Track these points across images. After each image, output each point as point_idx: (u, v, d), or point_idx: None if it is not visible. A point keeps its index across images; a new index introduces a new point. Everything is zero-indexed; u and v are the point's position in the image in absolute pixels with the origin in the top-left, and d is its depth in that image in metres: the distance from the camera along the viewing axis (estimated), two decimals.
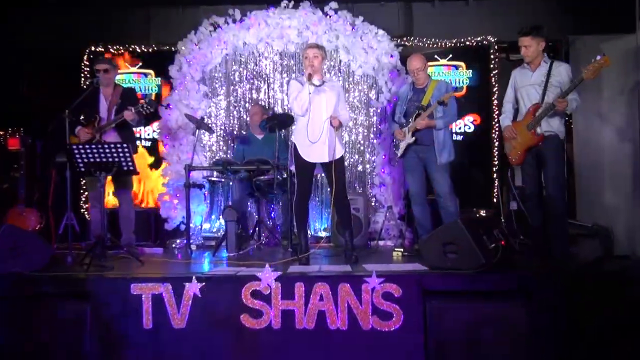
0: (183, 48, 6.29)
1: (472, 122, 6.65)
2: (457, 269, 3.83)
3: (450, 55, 6.69)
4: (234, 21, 6.25)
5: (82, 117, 5.16)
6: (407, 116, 5.03)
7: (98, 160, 4.53)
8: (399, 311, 3.63)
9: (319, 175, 6.18)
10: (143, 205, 6.55)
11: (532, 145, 4.50)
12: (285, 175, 5.12)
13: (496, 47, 6.62)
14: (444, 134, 4.89)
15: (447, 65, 6.73)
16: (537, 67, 4.55)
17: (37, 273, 3.91)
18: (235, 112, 6.53)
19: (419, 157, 4.95)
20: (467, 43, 6.64)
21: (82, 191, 6.67)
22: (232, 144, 6.46)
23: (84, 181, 6.55)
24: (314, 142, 4.50)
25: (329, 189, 6.15)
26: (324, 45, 5.77)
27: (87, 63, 6.67)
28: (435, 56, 6.66)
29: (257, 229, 5.66)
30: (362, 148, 6.40)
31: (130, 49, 6.81)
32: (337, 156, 4.54)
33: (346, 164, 5.66)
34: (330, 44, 6.10)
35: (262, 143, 5.96)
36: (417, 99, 4.99)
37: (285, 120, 5.19)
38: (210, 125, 6.26)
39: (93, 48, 6.80)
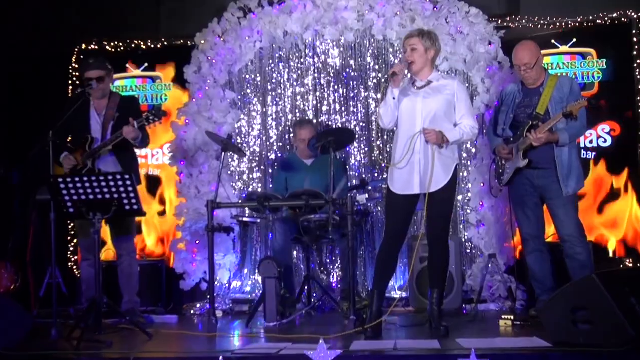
0: (203, 42, 6.42)
1: (608, 133, 6.49)
2: (593, 347, 3.72)
3: (574, 40, 6.57)
4: (271, 4, 6.38)
5: (69, 138, 5.30)
6: (516, 128, 5.00)
7: (91, 197, 4.61)
8: None
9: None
10: (149, 256, 6.66)
11: None
12: (344, 213, 5.11)
13: None
14: (570, 152, 4.86)
15: (569, 53, 6.60)
16: None
17: (10, 352, 3.96)
18: (275, 127, 6.61)
19: (534, 185, 4.94)
20: (599, 22, 6.52)
21: (70, 239, 6.82)
22: (270, 172, 6.51)
23: (72, 225, 6.70)
24: (401, 167, 4.56)
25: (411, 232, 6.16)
26: (402, 31, 5.80)
27: (78, 66, 6.90)
28: (553, 41, 6.56)
29: (306, 288, 5.65)
30: None
31: (133, 46, 7.00)
32: (437, 187, 4.55)
33: None
34: (403, 29, 6.12)
35: (312, 169, 6.00)
36: (529, 103, 4.97)
37: (343, 138, 5.21)
38: (240, 146, 6.34)
39: (85, 46, 7.05)
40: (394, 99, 4.55)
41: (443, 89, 4.65)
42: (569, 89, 4.88)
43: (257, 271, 5.87)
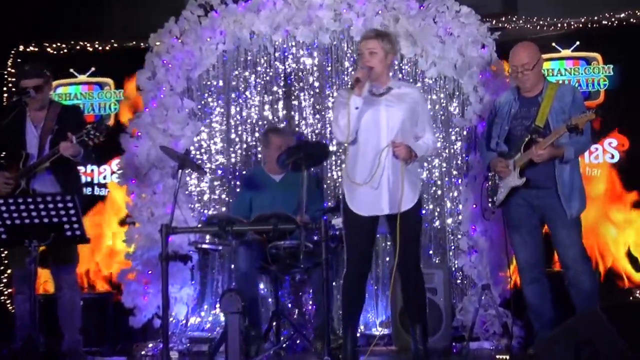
0: (158, 44, 6.40)
1: (615, 148, 6.53)
2: None
3: (578, 43, 6.66)
4: (236, 1, 6.36)
5: (2, 154, 5.24)
6: (511, 142, 5.00)
7: (27, 222, 4.57)
8: None
9: (382, 241, 6.18)
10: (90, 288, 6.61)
11: None
12: (318, 238, 5.10)
13: None
14: (572, 169, 4.87)
15: (572, 58, 6.70)
16: None
17: None
18: (239, 141, 6.58)
19: (532, 205, 4.94)
20: (605, 23, 6.60)
21: (3, 269, 6.79)
22: (234, 190, 6.48)
23: (6, 253, 6.57)
24: (365, 184, 4.58)
25: (388, 259, 6.15)
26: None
27: (14, 71, 6.86)
28: (554, 44, 6.65)
29: (274, 324, 5.60)
30: (438, 192, 6.36)
31: (78, 48, 6.96)
32: (406, 206, 4.61)
33: None
34: (386, 30, 6.10)
35: (282, 187, 5.98)
36: (526, 114, 4.97)
37: (317, 152, 5.20)
38: (200, 163, 6.31)
39: (23, 48, 7.02)
40: (356, 108, 4.55)
41: (406, 97, 4.71)
42: (571, 98, 4.90)
43: (218, 305, 5.82)
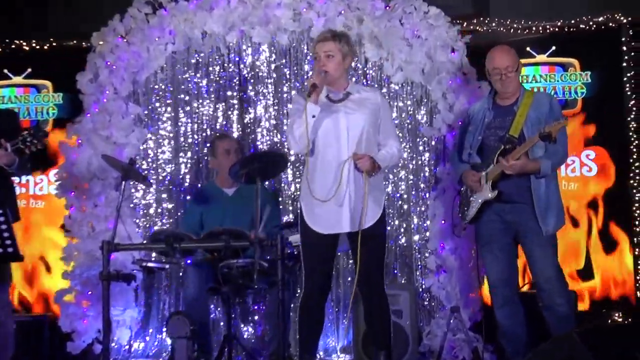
0: (101, 43, 6.36)
1: (593, 161, 6.59)
2: None
3: (554, 48, 6.70)
4: None
5: None
6: (484, 153, 5.03)
7: None
8: None
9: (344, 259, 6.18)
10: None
11: None
12: (274, 256, 5.06)
13: (631, 32, 6.61)
14: (548, 183, 4.90)
15: (548, 64, 6.73)
16: None
17: None
18: (189, 150, 6.57)
19: (505, 221, 4.97)
20: (582, 27, 6.66)
21: None
22: (183, 204, 6.46)
23: None
24: (324, 200, 4.56)
25: (350, 279, 6.14)
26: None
27: None
28: (529, 49, 6.68)
29: (226, 350, 5.51)
30: (405, 207, 6.38)
31: (13, 47, 6.92)
32: (369, 223, 4.60)
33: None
34: (349, 31, 6.07)
35: (234, 201, 5.96)
36: (501, 124, 5.00)
37: (273, 163, 5.22)
38: (146, 173, 6.26)
39: None
40: (313, 117, 4.53)
41: (367, 103, 4.69)
42: (548, 107, 4.93)
43: (164, 329, 5.78)
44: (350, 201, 4.56)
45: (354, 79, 4.82)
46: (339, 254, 5.85)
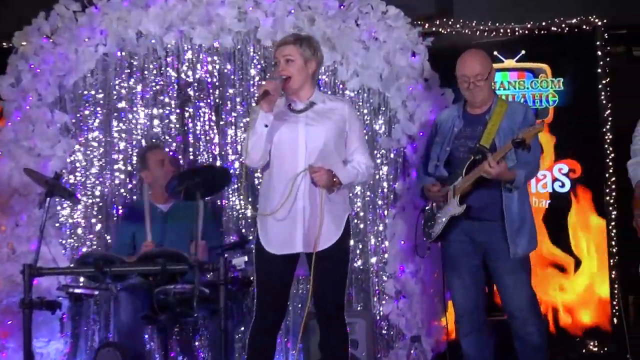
0: (24, 44, 6.33)
1: (566, 175, 6.65)
2: None
3: (523, 52, 6.75)
4: None
5: None
6: (452, 165, 5.07)
7: None
8: None
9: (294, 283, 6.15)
10: None
11: None
12: (217, 281, 4.94)
13: (606, 35, 6.68)
14: (521, 200, 4.94)
15: (516, 69, 6.78)
16: None
17: None
18: (123, 162, 6.53)
19: (474, 242, 5.00)
20: (554, 29, 6.71)
21: None
22: (114, 223, 6.43)
23: None
24: (280, 219, 4.56)
25: (301, 306, 6.14)
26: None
27: None
28: (496, 53, 6.72)
29: None
30: (361, 226, 6.39)
31: None
32: (326, 244, 4.59)
33: None
34: (299, 33, 6.10)
35: (171, 219, 5.95)
36: (471, 134, 5.05)
37: (215, 178, 5.22)
38: (74, 189, 6.22)
39: None
40: (266, 126, 4.54)
41: (331, 114, 4.69)
42: (522, 117, 4.98)
43: None
44: (304, 218, 4.56)
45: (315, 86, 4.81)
46: (300, 277, 5.92)
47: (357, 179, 4.75)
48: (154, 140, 6.48)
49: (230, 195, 6.43)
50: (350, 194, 6.30)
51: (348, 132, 4.72)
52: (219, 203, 6.41)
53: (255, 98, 4.56)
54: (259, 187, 6.25)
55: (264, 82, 4.65)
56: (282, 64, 4.65)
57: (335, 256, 4.62)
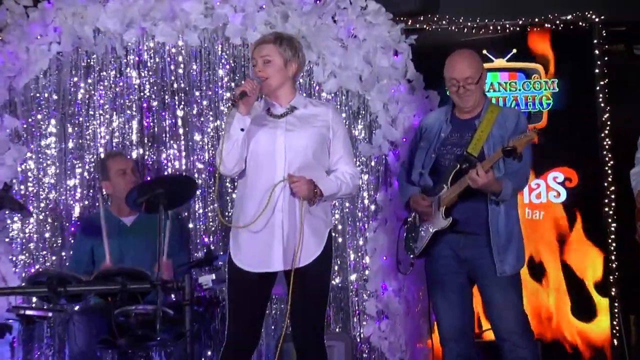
0: None
1: (562, 184, 6.65)
2: None
3: (514, 51, 6.76)
4: None
5: None
6: (439, 174, 5.06)
7: None
8: None
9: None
10: None
11: None
12: (182, 301, 4.90)
13: (604, 32, 6.70)
14: (508, 212, 4.95)
15: (507, 69, 6.80)
16: None
17: None
18: (79, 171, 6.50)
19: (460, 258, 5.00)
20: (548, 25, 6.74)
21: None
22: (70, 238, 6.39)
23: None
24: (255, 232, 4.53)
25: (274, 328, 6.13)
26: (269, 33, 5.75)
27: None
28: (485, 52, 6.72)
29: None
30: (339, 240, 6.36)
31: None
32: (307, 260, 4.57)
33: None
34: (271, 30, 6.10)
35: (133, 234, 5.91)
36: (458, 141, 5.05)
37: (180, 188, 5.18)
38: (25, 201, 6.20)
39: None
40: (242, 130, 4.49)
41: (313, 120, 4.66)
42: (514, 124, 4.98)
43: None
44: (283, 233, 4.53)
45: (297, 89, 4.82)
46: (274, 297, 5.89)
47: (341, 190, 4.69)
48: (114, 148, 6.45)
49: (197, 206, 6.42)
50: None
51: (332, 139, 4.69)
52: (185, 214, 6.39)
53: (232, 98, 4.54)
54: (227, 197, 6.29)
55: (243, 82, 4.58)
56: (259, 64, 4.62)
57: (316, 274, 4.60)
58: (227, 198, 6.35)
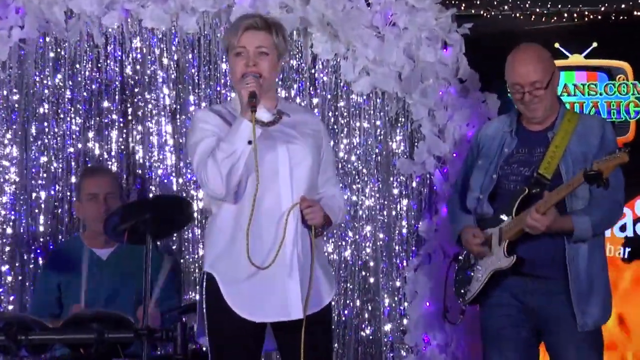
0: None
1: None
2: None
3: (594, 45, 6.78)
4: None
5: None
6: (500, 199, 5.03)
7: None
8: None
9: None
10: None
11: None
12: (174, 354, 5.13)
13: None
14: (592, 252, 4.89)
15: (586, 68, 6.84)
16: None
17: None
18: (45, 187, 6.51)
19: (525, 306, 4.95)
20: (636, 14, 6.75)
21: None
22: (33, 273, 6.41)
23: None
24: (263, 266, 4.40)
25: None
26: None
27: None
28: (558, 45, 6.74)
29: None
30: (370, 280, 6.38)
31: None
32: (319, 305, 4.52)
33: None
34: (286, 14, 6.11)
35: (111, 270, 5.93)
36: (527, 158, 5.02)
37: (172, 213, 5.21)
38: None
39: None
40: (249, 143, 4.36)
41: (306, 128, 4.61)
42: (599, 138, 4.93)
43: None
44: (298, 269, 4.43)
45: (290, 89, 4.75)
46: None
47: (338, 219, 4.73)
48: (87, 160, 6.49)
49: (193, 238, 6.43)
50: (356, 236, 6.39)
51: (323, 154, 4.67)
52: (175, 247, 6.44)
53: (249, 103, 4.35)
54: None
55: (249, 82, 4.42)
56: (251, 56, 4.50)
57: (326, 323, 4.60)
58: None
